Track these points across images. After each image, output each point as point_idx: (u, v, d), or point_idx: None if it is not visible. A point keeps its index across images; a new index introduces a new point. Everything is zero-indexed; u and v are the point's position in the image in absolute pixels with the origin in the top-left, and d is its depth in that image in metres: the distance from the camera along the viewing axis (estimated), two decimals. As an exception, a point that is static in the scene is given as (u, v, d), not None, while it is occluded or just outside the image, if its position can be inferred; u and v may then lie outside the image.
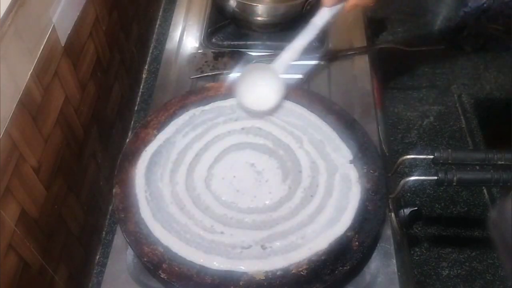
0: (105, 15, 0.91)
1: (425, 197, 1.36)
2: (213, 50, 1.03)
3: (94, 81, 0.86)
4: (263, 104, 0.83)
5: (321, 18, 0.81)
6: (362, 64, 1.00)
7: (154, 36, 1.22)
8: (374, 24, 1.14)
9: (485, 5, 1.56)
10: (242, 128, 0.83)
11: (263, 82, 0.83)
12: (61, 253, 0.75)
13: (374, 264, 0.73)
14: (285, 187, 0.75)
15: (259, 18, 1.03)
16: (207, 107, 0.85)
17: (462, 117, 1.52)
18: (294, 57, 0.83)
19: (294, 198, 0.74)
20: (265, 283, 0.65)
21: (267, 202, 0.74)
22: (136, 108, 1.10)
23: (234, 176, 0.76)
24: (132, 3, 1.07)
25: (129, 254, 0.73)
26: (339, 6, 0.80)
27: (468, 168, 0.78)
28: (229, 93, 0.87)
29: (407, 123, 1.50)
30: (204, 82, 0.95)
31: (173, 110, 0.84)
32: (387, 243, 0.75)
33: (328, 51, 1.02)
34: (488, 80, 1.58)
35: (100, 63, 0.89)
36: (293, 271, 0.66)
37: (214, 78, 0.98)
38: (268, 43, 1.04)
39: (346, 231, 0.69)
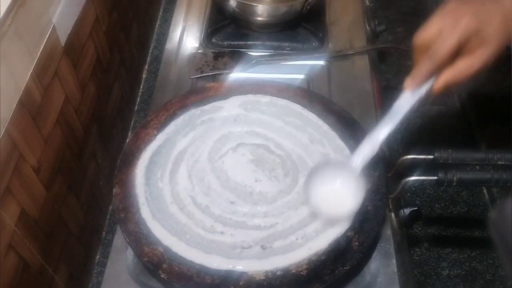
0: (105, 15, 0.91)
1: (425, 197, 1.36)
2: (213, 50, 1.03)
3: (94, 81, 0.86)
4: (337, 208, 0.70)
5: (404, 103, 0.69)
6: (362, 64, 1.00)
7: (154, 36, 1.22)
8: (374, 24, 1.14)
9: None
10: (242, 128, 0.83)
11: (339, 183, 0.71)
12: (61, 253, 0.75)
13: (374, 264, 0.73)
14: (285, 187, 0.75)
15: (259, 18, 1.03)
16: (207, 107, 0.85)
17: (462, 117, 1.52)
18: (374, 150, 0.70)
19: (294, 198, 0.74)
20: (265, 283, 0.65)
21: (267, 202, 0.74)
22: (136, 108, 1.10)
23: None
24: (132, 3, 1.07)
25: (129, 254, 0.73)
26: (424, 89, 0.68)
27: (468, 168, 0.78)
28: (229, 93, 0.87)
29: (407, 123, 1.50)
30: (204, 82, 0.95)
31: (173, 110, 0.84)
32: (387, 243, 0.75)
33: (328, 51, 1.02)
34: (488, 80, 1.57)
35: (100, 63, 0.89)
36: (293, 271, 0.66)
37: (214, 78, 0.98)
38: (268, 43, 1.04)
39: (346, 231, 0.69)
